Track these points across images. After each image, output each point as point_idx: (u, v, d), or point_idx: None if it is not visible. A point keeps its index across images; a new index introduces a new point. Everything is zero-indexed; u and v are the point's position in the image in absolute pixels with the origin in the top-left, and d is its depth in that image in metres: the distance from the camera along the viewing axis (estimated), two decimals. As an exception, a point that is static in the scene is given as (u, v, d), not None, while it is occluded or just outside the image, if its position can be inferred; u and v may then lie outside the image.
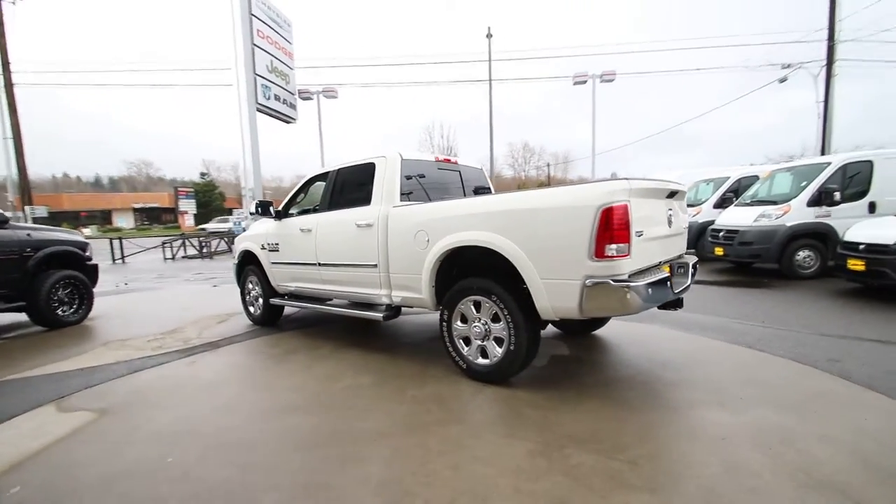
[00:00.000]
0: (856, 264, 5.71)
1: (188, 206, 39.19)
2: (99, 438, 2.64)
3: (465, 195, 4.66)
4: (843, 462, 2.14)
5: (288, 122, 18.40)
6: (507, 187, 52.44)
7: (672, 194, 3.33)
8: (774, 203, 7.68)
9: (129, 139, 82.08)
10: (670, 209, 3.32)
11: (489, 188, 5.09)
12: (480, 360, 3.32)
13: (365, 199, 4.15)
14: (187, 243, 17.20)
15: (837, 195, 6.96)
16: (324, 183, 5.17)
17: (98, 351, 4.65)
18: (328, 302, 4.86)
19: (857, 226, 6.12)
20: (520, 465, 2.19)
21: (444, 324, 3.48)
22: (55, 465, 2.36)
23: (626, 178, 2.68)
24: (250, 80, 15.39)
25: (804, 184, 7.39)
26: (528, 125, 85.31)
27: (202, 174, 54.05)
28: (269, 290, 5.37)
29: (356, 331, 5.15)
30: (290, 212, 5.17)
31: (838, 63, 17.84)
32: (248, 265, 5.70)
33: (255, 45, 15.45)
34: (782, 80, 19.90)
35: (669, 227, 3.28)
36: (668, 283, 3.00)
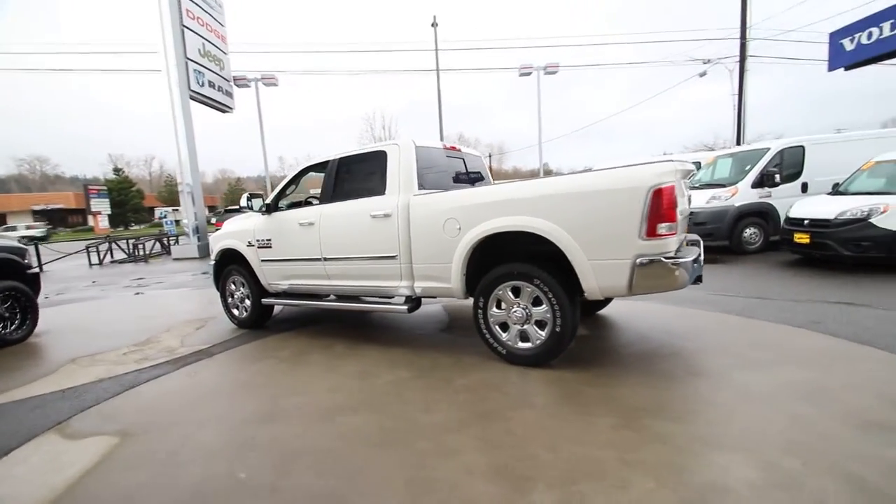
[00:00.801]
0: (801, 238, 6.46)
1: (101, 206, 35.32)
2: (140, 463, 2.34)
3: (470, 183, 4.64)
4: (877, 404, 2.44)
5: (224, 111, 17.15)
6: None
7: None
8: (722, 186, 8.43)
9: (16, 132, 71.97)
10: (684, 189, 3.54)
11: (487, 176, 5.11)
12: (521, 345, 3.35)
13: (377, 189, 4.00)
14: (114, 246, 15.51)
15: (777, 177, 7.79)
16: (320, 174, 4.92)
17: (68, 369, 4.09)
18: (326, 298, 4.64)
19: (798, 204, 6.91)
20: (611, 440, 2.25)
21: (480, 311, 3.47)
22: (109, 499, 2.06)
23: (671, 160, 2.82)
24: (181, 65, 14.12)
25: (748, 168, 8.18)
26: (463, 116, 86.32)
27: (116, 170, 48.75)
28: (258, 290, 5.01)
29: (355, 327, 4.98)
30: (280, 205, 4.85)
31: (750, 59, 19.75)
32: (229, 265, 5.27)
33: (185, 26, 14.17)
34: (702, 75, 21.76)
35: (687, 206, 3.51)
36: (699, 259, 3.21)
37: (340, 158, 4.39)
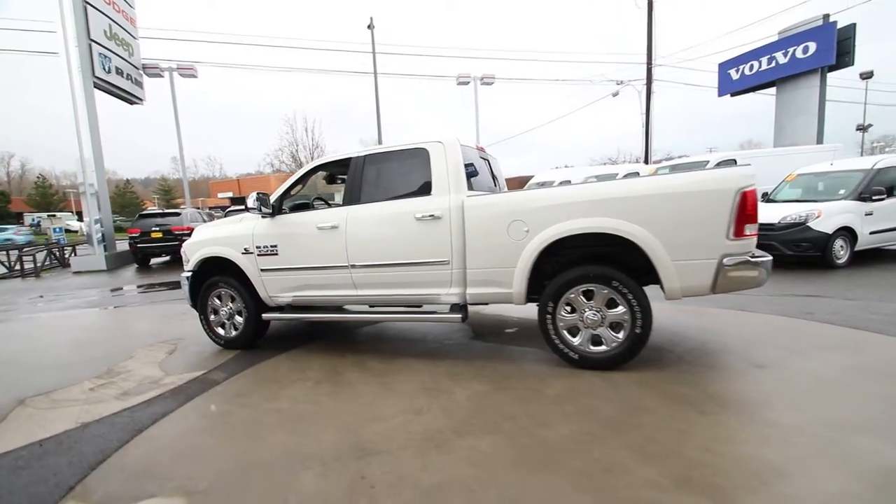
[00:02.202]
0: (750, 239, 7.30)
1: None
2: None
3: (495, 183, 4.52)
4: (932, 383, 2.78)
5: (132, 103, 15.10)
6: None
7: None
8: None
9: None
10: None
11: (502, 179, 5.02)
12: (594, 348, 3.29)
13: (419, 189, 3.72)
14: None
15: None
16: (337, 171, 4.47)
17: (24, 414, 3.18)
18: (336, 309, 4.19)
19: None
20: (756, 436, 2.27)
21: (549, 316, 3.35)
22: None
23: (747, 165, 2.97)
24: (84, 47, 12.15)
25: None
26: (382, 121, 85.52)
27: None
28: (255, 303, 4.37)
29: (363, 341, 4.56)
30: (283, 208, 4.29)
31: (656, 82, 22.10)
32: (213, 276, 4.54)
33: (87, 2, 12.19)
34: (615, 94, 23.93)
35: None
36: None
37: (367, 156, 4.00)
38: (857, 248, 6.87)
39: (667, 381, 3.02)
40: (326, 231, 3.94)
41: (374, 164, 3.99)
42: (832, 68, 16.73)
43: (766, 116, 20.06)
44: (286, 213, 4.28)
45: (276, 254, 4.17)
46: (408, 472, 2.16)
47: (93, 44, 12.32)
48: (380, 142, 19.08)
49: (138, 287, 9.61)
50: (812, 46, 16.67)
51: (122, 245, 14.04)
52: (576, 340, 3.33)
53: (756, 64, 18.92)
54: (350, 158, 4.07)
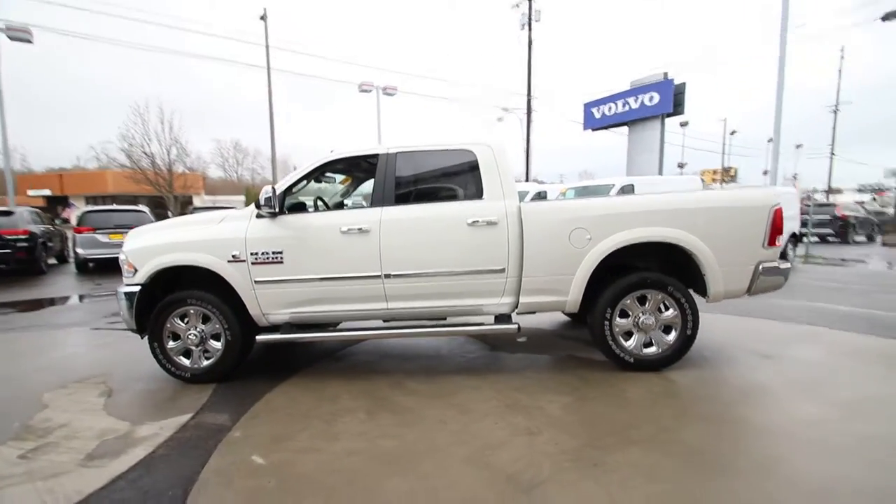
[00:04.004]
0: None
1: None
2: None
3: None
4: None
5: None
6: (219, 189, 46.52)
7: None
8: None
9: None
10: None
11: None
12: (646, 351, 3.44)
13: (465, 193, 3.51)
14: None
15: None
16: (356, 168, 3.93)
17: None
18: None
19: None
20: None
21: (607, 322, 3.40)
22: None
23: (772, 186, 3.47)
24: None
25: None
26: (239, 123, 78.40)
27: None
28: (241, 323, 3.53)
29: (371, 361, 4.07)
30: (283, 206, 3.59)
31: (535, 112, 24.58)
32: (171, 291, 3.55)
33: None
34: (500, 119, 25.91)
35: None
36: None
37: (399, 154, 3.59)
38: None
39: (724, 384, 3.30)
40: (354, 236, 3.40)
41: (409, 163, 3.60)
42: (669, 115, 20.74)
43: (605, 151, 23.77)
44: (295, 213, 3.59)
45: (280, 262, 3.44)
46: (597, 498, 1.95)
47: None
48: (272, 145, 17.31)
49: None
50: (656, 96, 20.40)
51: None
52: (630, 344, 3.45)
53: (614, 106, 22.40)
54: (377, 155, 3.60)
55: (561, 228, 3.35)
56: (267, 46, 16.70)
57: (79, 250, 9.83)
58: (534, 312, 3.60)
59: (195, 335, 3.54)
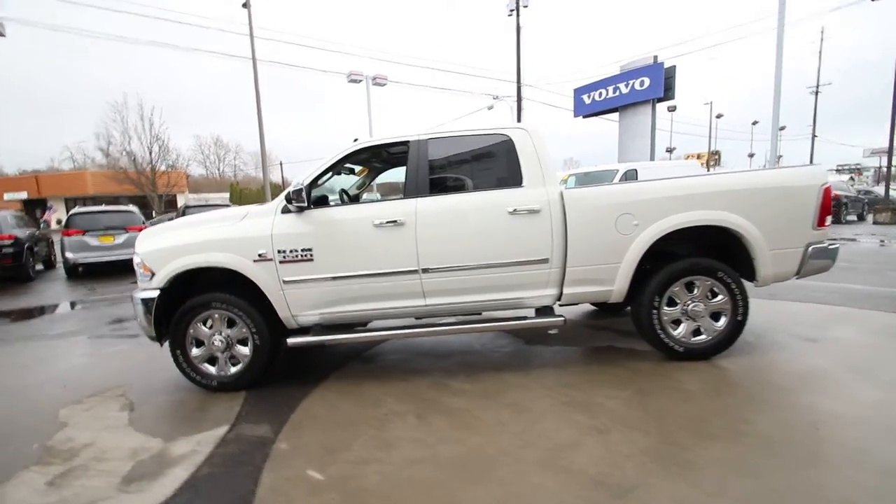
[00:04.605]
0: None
1: None
2: None
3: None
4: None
5: None
6: (202, 187, 45.42)
7: None
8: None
9: None
10: None
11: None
12: (694, 339, 3.34)
13: (503, 181, 3.34)
14: None
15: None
16: (385, 157, 3.72)
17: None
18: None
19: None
20: None
21: (655, 311, 3.28)
22: None
23: (819, 165, 3.36)
24: None
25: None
26: (217, 117, 76.57)
27: None
28: (270, 327, 3.33)
29: (403, 361, 3.90)
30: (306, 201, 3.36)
31: (525, 100, 24.40)
32: (194, 294, 3.33)
33: None
34: (490, 108, 25.65)
35: None
36: None
37: (430, 140, 3.39)
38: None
39: (767, 362, 3.22)
40: (387, 229, 3.21)
41: (441, 151, 3.42)
42: (660, 100, 20.72)
43: (589, 138, 23.75)
44: (324, 206, 3.39)
45: (311, 259, 3.24)
46: (696, 500, 1.83)
47: None
48: (261, 139, 16.77)
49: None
50: (647, 81, 20.32)
51: None
52: (678, 333, 3.34)
53: (604, 92, 22.27)
54: (407, 142, 3.39)
55: (606, 215, 3.20)
56: (251, 36, 16.13)
57: (68, 254, 9.40)
58: (577, 304, 3.46)
59: (221, 341, 3.32)
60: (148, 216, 24.21)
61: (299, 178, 3.39)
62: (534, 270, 3.24)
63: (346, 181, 4.44)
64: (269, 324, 3.33)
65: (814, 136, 39.56)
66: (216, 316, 3.32)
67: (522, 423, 2.57)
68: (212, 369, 3.37)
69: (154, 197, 24.66)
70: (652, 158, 20.41)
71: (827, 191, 3.20)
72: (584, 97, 23.49)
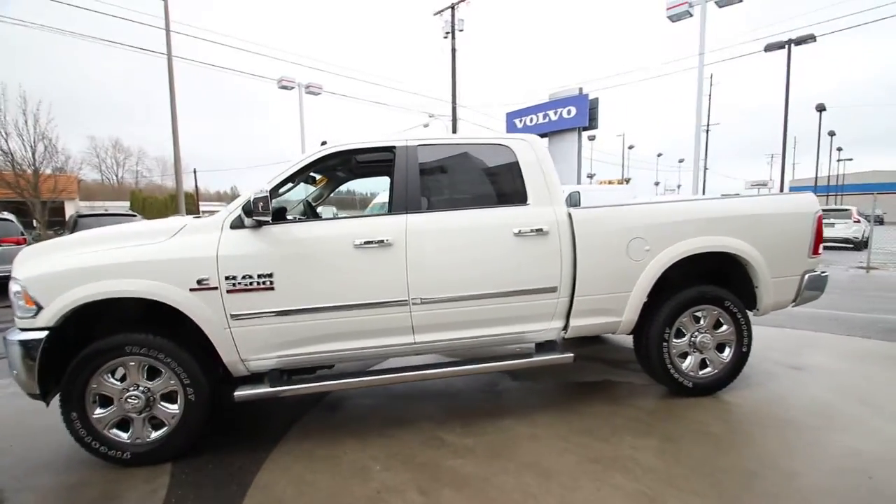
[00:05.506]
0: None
1: None
2: None
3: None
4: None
5: None
6: (96, 194, 40.05)
7: None
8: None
9: None
10: None
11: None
12: (701, 372, 3.12)
13: (504, 197, 2.94)
14: None
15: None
16: (364, 163, 3.14)
17: None
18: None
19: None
20: None
21: (665, 344, 3.01)
22: None
23: (809, 192, 3.37)
24: None
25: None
26: (126, 118, 69.05)
27: None
28: (208, 375, 2.56)
29: (390, 406, 3.28)
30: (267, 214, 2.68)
31: (460, 120, 24.71)
32: (96, 338, 2.47)
33: None
34: (426, 126, 25.57)
35: None
36: None
37: (420, 146, 2.89)
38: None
39: (771, 396, 3.08)
40: (372, 250, 2.63)
41: (433, 160, 2.92)
42: (585, 129, 21.99)
43: None
44: (288, 221, 2.71)
45: (270, 287, 2.54)
46: None
47: None
48: (175, 142, 14.83)
49: None
50: (573, 110, 21.50)
51: None
52: (686, 366, 3.10)
53: (535, 117, 23.23)
54: (393, 147, 2.85)
55: (618, 238, 2.90)
56: (168, 31, 14.40)
57: None
58: (581, 337, 3.10)
59: (138, 397, 2.48)
60: (28, 225, 20.52)
61: (247, 188, 2.67)
62: (540, 300, 2.83)
63: (299, 193, 3.75)
64: (206, 371, 2.55)
65: (705, 168, 44.90)
66: (131, 364, 2.47)
67: (556, 494, 2.09)
68: (123, 435, 2.50)
69: (36, 203, 21.01)
70: (578, 182, 21.49)
71: (820, 218, 3.19)
72: (517, 121, 24.22)
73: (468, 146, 2.99)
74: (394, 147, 2.85)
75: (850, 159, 44.31)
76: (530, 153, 2.95)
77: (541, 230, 2.79)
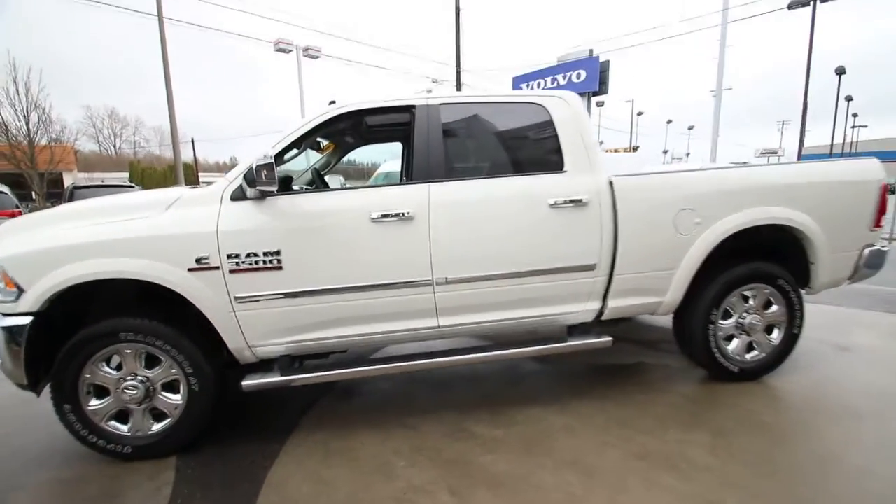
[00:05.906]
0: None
1: None
2: None
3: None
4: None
5: None
6: (94, 165, 39.39)
7: None
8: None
9: None
10: None
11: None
12: (749, 356, 2.88)
13: (538, 163, 2.61)
14: None
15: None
16: (377, 126, 2.81)
17: None
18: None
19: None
20: None
21: (711, 326, 2.75)
22: None
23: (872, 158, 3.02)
24: None
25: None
26: (122, 87, 67.42)
27: None
28: (212, 362, 2.33)
29: (410, 392, 3.07)
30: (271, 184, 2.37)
31: (464, 85, 23.91)
32: (87, 323, 2.22)
33: None
34: (429, 91, 24.72)
35: None
36: None
37: (444, 105, 2.54)
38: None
39: (821, 379, 2.85)
40: (391, 224, 2.34)
41: (457, 122, 2.58)
42: (595, 94, 21.15)
43: None
44: (296, 192, 2.41)
45: (279, 266, 2.26)
46: None
47: None
48: (170, 111, 14.21)
49: None
50: (583, 74, 20.62)
51: None
52: (732, 349, 2.85)
53: (542, 82, 22.36)
54: (413, 106, 2.51)
55: (664, 209, 2.59)
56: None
57: None
58: (617, 319, 2.83)
59: (136, 387, 2.25)
60: (27, 197, 20.19)
61: (247, 156, 2.35)
62: (577, 279, 2.55)
63: (300, 162, 3.42)
64: (210, 358, 2.31)
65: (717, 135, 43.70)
66: (127, 352, 2.24)
67: (601, 495, 1.88)
68: (122, 428, 2.29)
69: (34, 175, 20.66)
70: (587, 151, 20.80)
71: (884, 188, 2.86)
72: (524, 86, 23.35)
73: (497, 105, 2.64)
74: (413, 106, 2.51)
75: (865, 126, 42.92)
76: (567, 113, 2.60)
77: (580, 201, 2.48)
